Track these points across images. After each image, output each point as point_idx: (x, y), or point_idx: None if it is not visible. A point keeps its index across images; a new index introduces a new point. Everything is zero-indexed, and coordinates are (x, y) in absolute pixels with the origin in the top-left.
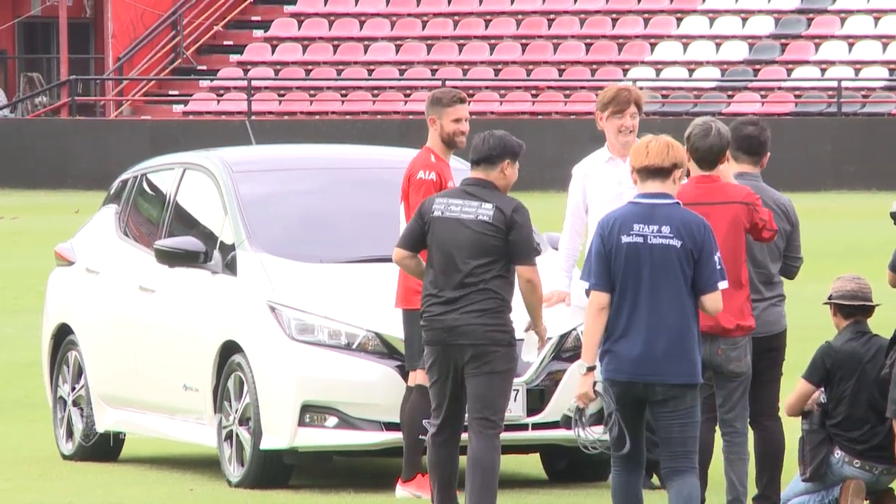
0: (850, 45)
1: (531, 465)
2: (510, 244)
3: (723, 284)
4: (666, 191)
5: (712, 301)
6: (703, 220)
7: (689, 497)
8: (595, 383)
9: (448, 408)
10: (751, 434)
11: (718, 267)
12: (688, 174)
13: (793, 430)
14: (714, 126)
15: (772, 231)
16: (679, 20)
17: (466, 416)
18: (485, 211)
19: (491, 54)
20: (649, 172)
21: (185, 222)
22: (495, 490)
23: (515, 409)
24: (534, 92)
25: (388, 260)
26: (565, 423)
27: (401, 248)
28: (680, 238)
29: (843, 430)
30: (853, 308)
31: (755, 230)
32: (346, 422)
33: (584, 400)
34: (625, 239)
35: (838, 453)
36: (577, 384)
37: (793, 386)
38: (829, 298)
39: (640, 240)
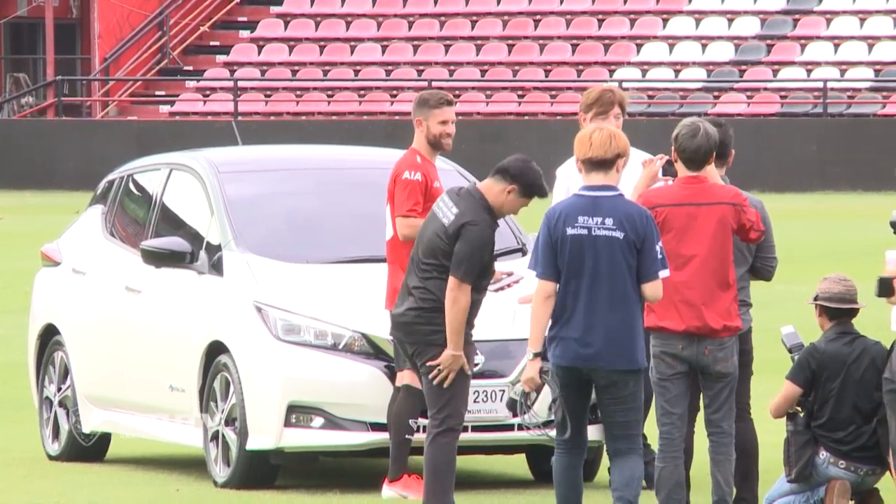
0: (836, 46)
1: (517, 465)
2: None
3: (663, 273)
4: (609, 182)
5: (651, 289)
6: (645, 211)
7: (630, 478)
8: (541, 368)
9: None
10: None
11: (660, 257)
12: (675, 175)
13: (776, 430)
14: (702, 127)
15: (759, 232)
16: (665, 21)
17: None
18: (449, 215)
19: (477, 55)
20: (593, 164)
21: (171, 223)
22: (441, 493)
23: (501, 409)
24: (520, 93)
25: (375, 260)
26: (510, 406)
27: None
28: (622, 230)
29: (828, 430)
30: (839, 310)
31: (742, 231)
32: (333, 422)
33: (530, 384)
34: (570, 231)
35: (823, 454)
36: (525, 369)
37: (780, 387)
38: (815, 299)
39: (585, 232)
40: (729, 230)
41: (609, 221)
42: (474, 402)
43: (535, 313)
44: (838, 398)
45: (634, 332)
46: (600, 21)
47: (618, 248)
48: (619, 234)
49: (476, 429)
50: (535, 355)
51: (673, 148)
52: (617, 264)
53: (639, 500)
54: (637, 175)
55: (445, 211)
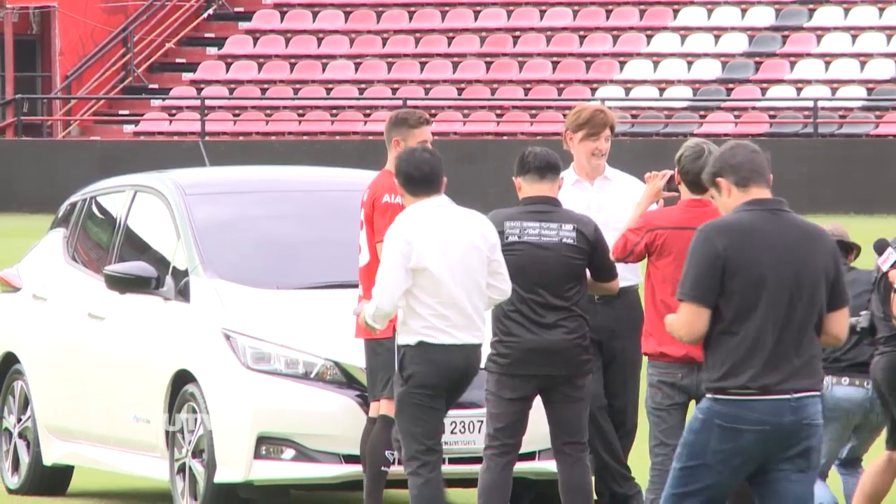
0: (827, 64)
1: None
2: (593, 265)
3: None
4: None
5: None
6: None
7: None
8: None
9: (518, 430)
10: None
11: None
12: (677, 191)
13: None
14: (706, 148)
15: None
16: (649, 37)
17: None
18: (567, 232)
19: (454, 73)
20: None
21: (136, 247)
22: None
23: (479, 440)
24: (498, 112)
25: (347, 286)
26: None
27: None
28: None
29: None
30: None
31: None
32: (304, 454)
33: None
34: None
35: (825, 379)
36: None
37: None
38: None
39: None
40: None
41: None
42: (451, 433)
43: None
44: None
45: None
46: (582, 37)
47: None
48: None
49: (453, 461)
50: None
51: (676, 170)
52: None
53: None
54: (632, 196)
55: (549, 231)
